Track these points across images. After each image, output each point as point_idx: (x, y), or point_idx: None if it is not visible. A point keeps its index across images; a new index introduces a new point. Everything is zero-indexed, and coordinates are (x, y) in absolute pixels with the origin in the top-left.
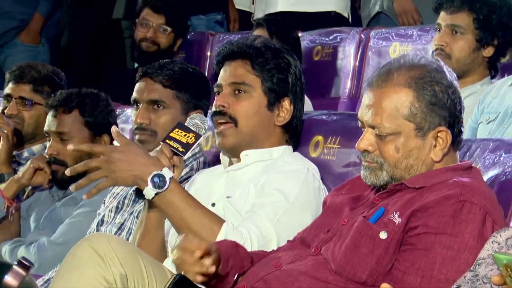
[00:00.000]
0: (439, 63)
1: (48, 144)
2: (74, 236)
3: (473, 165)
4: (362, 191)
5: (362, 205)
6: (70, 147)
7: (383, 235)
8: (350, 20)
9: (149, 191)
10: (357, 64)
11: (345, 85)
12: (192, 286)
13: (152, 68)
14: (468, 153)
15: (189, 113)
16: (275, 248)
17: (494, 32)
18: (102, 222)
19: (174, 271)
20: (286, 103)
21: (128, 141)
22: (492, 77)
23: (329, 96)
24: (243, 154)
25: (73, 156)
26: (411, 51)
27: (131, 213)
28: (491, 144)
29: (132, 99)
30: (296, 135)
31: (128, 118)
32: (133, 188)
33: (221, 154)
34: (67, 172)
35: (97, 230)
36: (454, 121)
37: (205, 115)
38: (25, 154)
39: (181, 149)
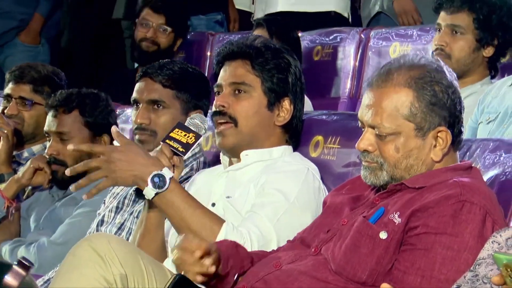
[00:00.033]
0: (439, 63)
1: (48, 144)
2: (74, 236)
3: (473, 165)
4: (362, 191)
5: (362, 205)
6: (70, 147)
7: (383, 235)
8: (350, 20)
9: (149, 191)
10: (357, 64)
11: (345, 85)
12: (192, 286)
13: (152, 68)
14: (468, 153)
15: (189, 113)
16: (275, 248)
17: (494, 32)
18: (102, 222)
19: (174, 271)
20: (286, 103)
21: (128, 141)
22: (492, 77)
23: (329, 96)
24: (243, 154)
25: (73, 156)
26: (411, 51)
27: (131, 213)
28: (491, 144)
29: (132, 99)
30: (296, 135)
31: (128, 118)
32: (133, 188)
33: (221, 154)
34: (67, 172)
35: (97, 230)
36: (454, 121)
37: (205, 115)
38: (25, 154)
39: (181, 149)
